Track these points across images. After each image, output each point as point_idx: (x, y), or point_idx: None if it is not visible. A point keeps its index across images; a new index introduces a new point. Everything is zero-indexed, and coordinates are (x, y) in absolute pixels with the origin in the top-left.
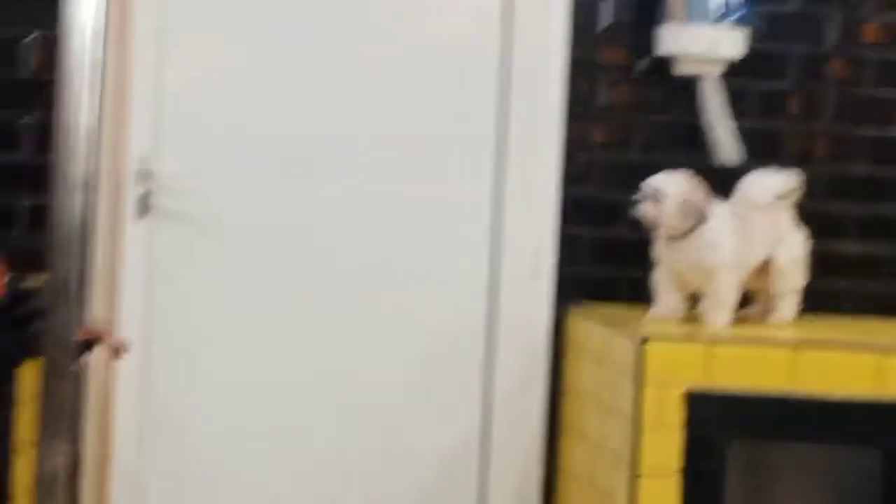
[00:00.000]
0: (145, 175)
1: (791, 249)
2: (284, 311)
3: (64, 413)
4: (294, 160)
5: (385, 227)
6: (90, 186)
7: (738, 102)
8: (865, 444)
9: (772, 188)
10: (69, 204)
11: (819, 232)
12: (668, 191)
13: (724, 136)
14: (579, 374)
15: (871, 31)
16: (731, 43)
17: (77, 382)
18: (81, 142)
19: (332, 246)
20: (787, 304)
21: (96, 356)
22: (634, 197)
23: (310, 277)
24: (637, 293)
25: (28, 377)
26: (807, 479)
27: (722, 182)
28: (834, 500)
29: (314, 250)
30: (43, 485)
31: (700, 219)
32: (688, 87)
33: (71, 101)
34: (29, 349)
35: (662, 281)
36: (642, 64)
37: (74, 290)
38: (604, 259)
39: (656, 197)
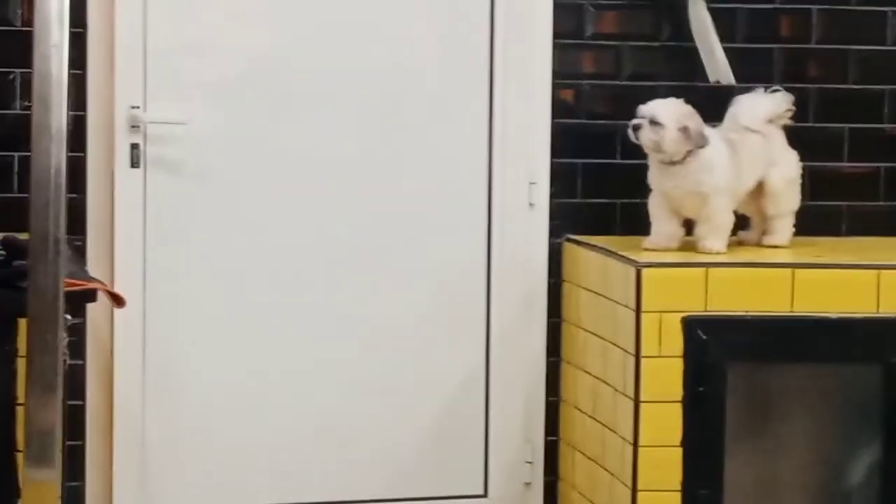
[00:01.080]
0: (135, 124)
1: (784, 171)
2: (283, 254)
3: (56, 368)
4: (286, 98)
5: (381, 164)
6: (71, 138)
7: (727, 24)
8: (865, 361)
9: (763, 110)
10: (49, 157)
11: (812, 152)
12: (666, 116)
13: (718, 55)
14: (578, 304)
15: None
16: None
17: (70, 337)
18: (57, 92)
19: (328, 187)
20: (783, 226)
21: (95, 309)
22: (631, 122)
23: (307, 219)
24: (631, 222)
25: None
26: (809, 400)
27: (709, 106)
28: (837, 418)
29: (310, 192)
30: (37, 441)
31: (700, 143)
32: (675, 11)
33: (47, 51)
34: (24, 304)
35: (657, 208)
36: None
37: (57, 245)
38: (597, 189)
39: (654, 122)
